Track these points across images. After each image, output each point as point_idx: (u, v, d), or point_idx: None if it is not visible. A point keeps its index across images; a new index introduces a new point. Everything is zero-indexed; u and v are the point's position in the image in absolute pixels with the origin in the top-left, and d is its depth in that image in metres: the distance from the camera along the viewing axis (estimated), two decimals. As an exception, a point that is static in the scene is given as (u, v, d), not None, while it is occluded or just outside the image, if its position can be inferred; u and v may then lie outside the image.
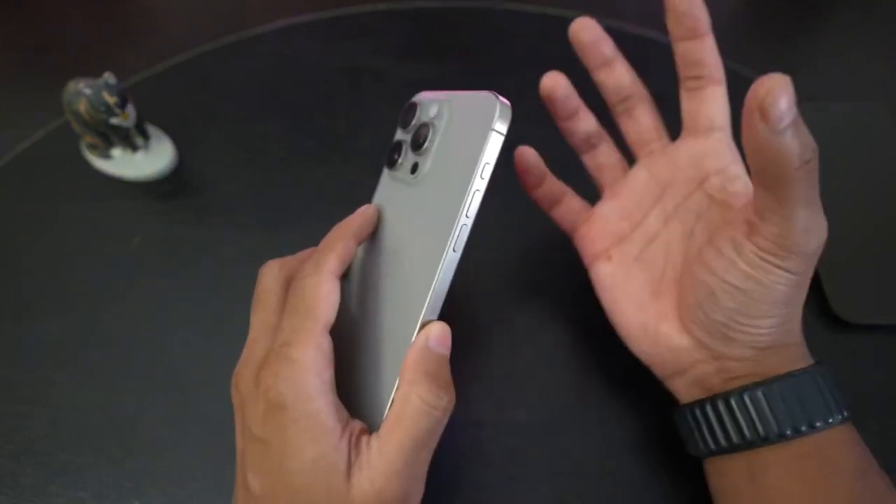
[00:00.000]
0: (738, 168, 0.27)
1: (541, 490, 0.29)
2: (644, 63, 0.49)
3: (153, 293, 0.35)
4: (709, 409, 0.25)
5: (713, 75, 0.27)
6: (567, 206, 0.32)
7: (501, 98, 0.22)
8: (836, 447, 0.23)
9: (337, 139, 0.43)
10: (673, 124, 0.44)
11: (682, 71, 0.28)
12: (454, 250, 0.22)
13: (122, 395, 0.32)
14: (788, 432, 0.23)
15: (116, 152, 0.40)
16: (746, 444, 0.24)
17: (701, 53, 0.27)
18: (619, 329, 0.28)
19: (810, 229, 0.24)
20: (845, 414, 0.24)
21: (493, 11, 0.52)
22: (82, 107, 0.36)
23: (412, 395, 0.21)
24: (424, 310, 0.22)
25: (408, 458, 0.21)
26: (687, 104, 0.28)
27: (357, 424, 0.22)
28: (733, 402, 0.24)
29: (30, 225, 0.38)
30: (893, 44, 0.53)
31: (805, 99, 0.45)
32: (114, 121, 0.37)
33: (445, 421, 0.22)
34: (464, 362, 0.33)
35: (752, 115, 0.22)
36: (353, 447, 0.21)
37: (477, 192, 0.22)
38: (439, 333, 0.22)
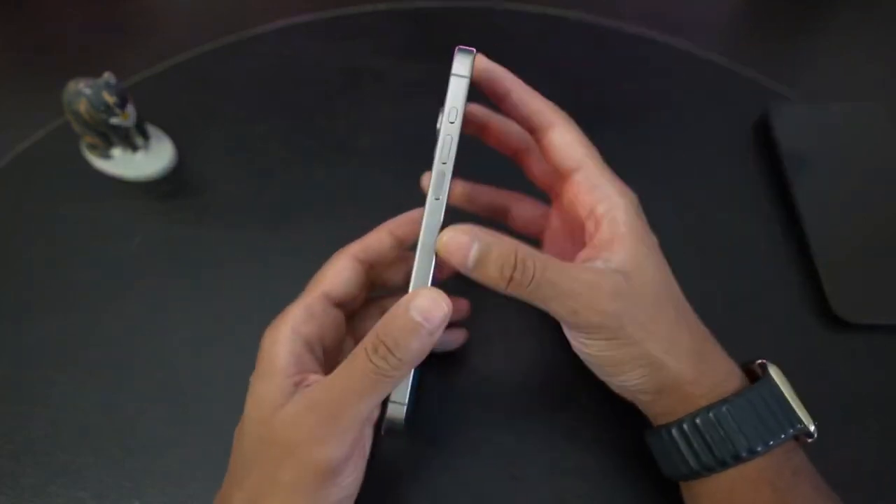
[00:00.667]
0: (602, 205, 0.26)
1: (541, 490, 0.29)
2: (644, 63, 0.49)
3: (153, 293, 0.35)
4: (650, 438, 0.27)
5: (546, 121, 0.26)
6: (519, 216, 0.32)
7: (462, 46, 0.23)
8: (749, 484, 0.23)
9: (337, 139, 0.43)
10: (672, 122, 0.45)
11: (524, 127, 0.27)
12: (436, 198, 0.22)
13: (122, 395, 0.32)
14: (710, 467, 0.23)
15: (116, 152, 0.40)
16: (680, 476, 0.25)
17: (523, 108, 0.26)
18: None
19: (577, 311, 0.23)
20: (772, 442, 0.23)
21: (493, 11, 0.52)
22: (82, 107, 0.36)
23: (360, 348, 0.21)
24: (415, 270, 0.22)
25: (328, 402, 0.21)
26: (545, 155, 0.27)
27: (317, 376, 0.23)
28: (662, 434, 0.25)
29: (30, 225, 0.38)
30: (893, 44, 0.53)
31: (805, 99, 0.46)
32: (114, 121, 0.37)
33: (383, 386, 0.21)
34: (464, 362, 0.33)
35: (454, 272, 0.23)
36: (300, 388, 0.22)
37: (448, 137, 0.22)
38: (425, 307, 0.21)
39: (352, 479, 0.23)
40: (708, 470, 0.23)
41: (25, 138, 0.43)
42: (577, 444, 0.30)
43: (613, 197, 0.26)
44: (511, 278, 0.22)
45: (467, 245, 0.22)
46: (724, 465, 0.23)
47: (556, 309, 0.23)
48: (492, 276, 0.22)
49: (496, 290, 0.23)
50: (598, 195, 0.26)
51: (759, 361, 0.26)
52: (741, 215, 0.39)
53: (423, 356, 0.21)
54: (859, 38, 0.54)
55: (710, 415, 0.23)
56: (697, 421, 0.24)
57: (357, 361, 0.21)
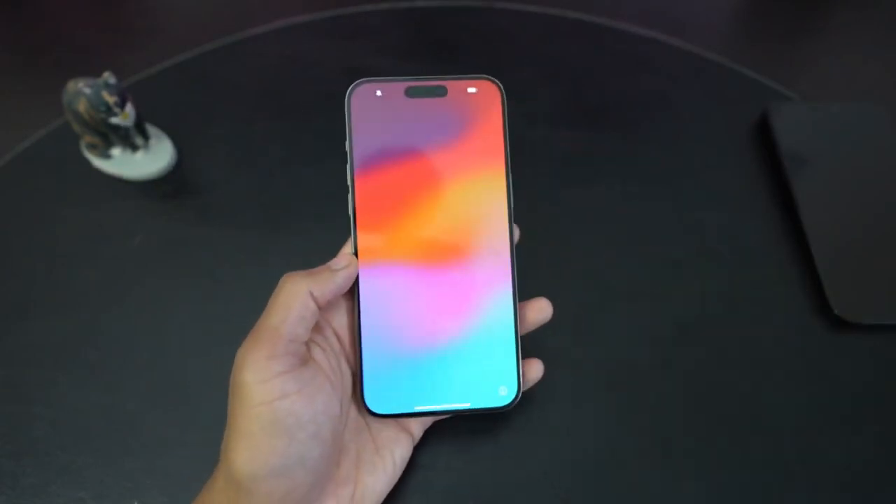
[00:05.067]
0: None
1: (541, 489, 0.29)
2: (644, 63, 0.49)
3: (153, 293, 0.35)
4: None
5: None
6: None
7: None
8: None
9: (337, 139, 0.43)
10: (672, 122, 0.45)
11: None
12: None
13: (122, 395, 0.32)
14: None
15: (116, 152, 0.40)
16: None
17: None
18: None
19: None
20: None
21: (493, 11, 0.52)
22: (82, 107, 0.36)
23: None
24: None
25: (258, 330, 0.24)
26: None
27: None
28: None
29: (30, 225, 0.38)
30: (893, 44, 0.53)
31: (805, 99, 0.46)
32: (113, 120, 0.37)
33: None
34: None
35: None
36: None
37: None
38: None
39: (295, 403, 0.22)
40: None
41: (25, 138, 0.43)
42: (578, 445, 0.30)
43: None
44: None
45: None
46: None
47: None
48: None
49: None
50: None
51: None
52: (741, 215, 0.39)
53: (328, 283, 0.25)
54: (859, 38, 0.54)
55: None
56: None
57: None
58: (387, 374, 0.26)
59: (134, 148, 0.40)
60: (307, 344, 0.25)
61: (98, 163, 0.40)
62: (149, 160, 0.40)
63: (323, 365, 0.25)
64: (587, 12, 0.51)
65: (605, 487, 0.29)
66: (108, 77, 0.36)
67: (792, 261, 0.37)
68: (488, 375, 0.27)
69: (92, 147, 0.39)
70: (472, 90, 0.27)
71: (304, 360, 0.24)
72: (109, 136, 0.39)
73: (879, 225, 0.38)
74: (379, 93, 0.27)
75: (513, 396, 0.27)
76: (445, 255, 0.27)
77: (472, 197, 0.27)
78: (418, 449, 0.29)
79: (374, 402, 0.26)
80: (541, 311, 0.29)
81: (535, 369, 0.28)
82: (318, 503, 0.24)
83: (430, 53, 0.49)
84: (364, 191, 0.27)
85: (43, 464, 0.30)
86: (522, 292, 0.35)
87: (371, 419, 0.27)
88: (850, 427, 0.31)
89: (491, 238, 0.27)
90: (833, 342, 0.34)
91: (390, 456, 0.27)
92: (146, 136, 0.40)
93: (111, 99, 0.36)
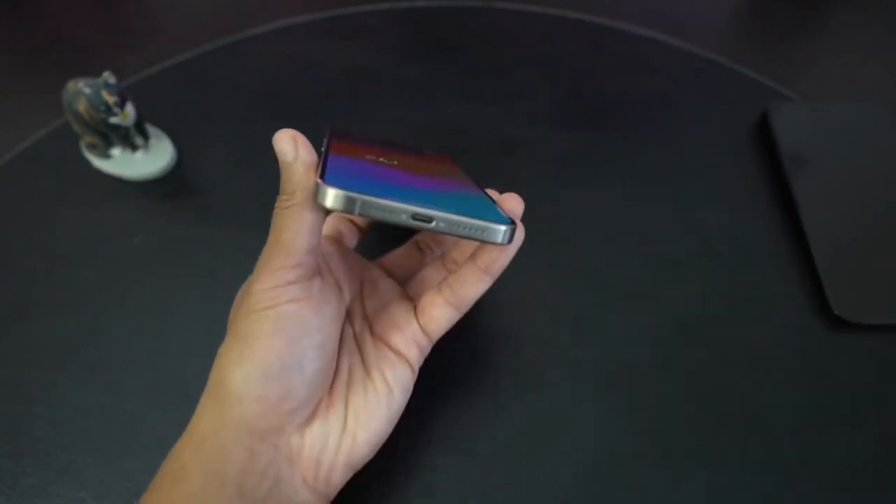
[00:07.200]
0: None
1: (541, 490, 0.29)
2: (644, 63, 0.49)
3: (153, 293, 0.35)
4: None
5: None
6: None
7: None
8: None
9: (337, 139, 0.43)
10: (672, 122, 0.45)
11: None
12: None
13: (122, 395, 0.32)
14: None
15: (116, 152, 0.40)
16: None
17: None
18: None
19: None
20: None
21: (493, 11, 0.52)
22: (82, 106, 0.36)
23: None
24: None
25: (265, 253, 0.23)
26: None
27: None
28: None
29: (30, 225, 0.38)
30: (893, 44, 0.53)
31: (805, 99, 0.46)
32: (113, 120, 0.37)
33: (290, 215, 0.22)
34: (463, 358, 0.33)
35: None
36: None
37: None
38: (278, 148, 0.22)
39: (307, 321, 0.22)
40: None
41: (25, 138, 0.43)
42: (578, 445, 0.30)
43: None
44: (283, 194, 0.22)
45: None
46: None
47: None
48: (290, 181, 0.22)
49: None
50: None
51: None
52: (741, 215, 0.39)
53: (305, 183, 0.22)
54: (859, 38, 0.54)
55: None
56: None
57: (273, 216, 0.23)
58: (357, 167, 0.23)
59: (134, 148, 0.40)
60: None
61: (98, 163, 0.40)
62: (149, 160, 0.40)
63: (328, 280, 0.25)
64: (587, 12, 0.51)
65: (605, 488, 0.29)
66: (108, 77, 0.36)
67: (792, 261, 0.37)
68: (474, 202, 0.24)
69: (92, 147, 0.39)
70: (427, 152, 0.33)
71: (315, 272, 0.23)
72: (109, 136, 0.39)
73: (879, 225, 0.38)
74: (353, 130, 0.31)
75: (508, 222, 0.22)
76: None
77: (439, 165, 0.30)
78: (418, 449, 0.29)
79: (335, 178, 0.21)
80: (509, 200, 0.25)
81: (517, 204, 0.25)
82: (308, 423, 0.23)
83: (429, 53, 0.49)
84: (336, 145, 0.26)
85: (43, 464, 0.30)
86: (521, 290, 0.35)
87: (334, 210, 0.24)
88: (850, 427, 0.31)
89: (456, 176, 0.28)
90: (833, 342, 0.34)
91: (381, 378, 0.25)
92: (146, 136, 0.40)
93: (111, 99, 0.36)
